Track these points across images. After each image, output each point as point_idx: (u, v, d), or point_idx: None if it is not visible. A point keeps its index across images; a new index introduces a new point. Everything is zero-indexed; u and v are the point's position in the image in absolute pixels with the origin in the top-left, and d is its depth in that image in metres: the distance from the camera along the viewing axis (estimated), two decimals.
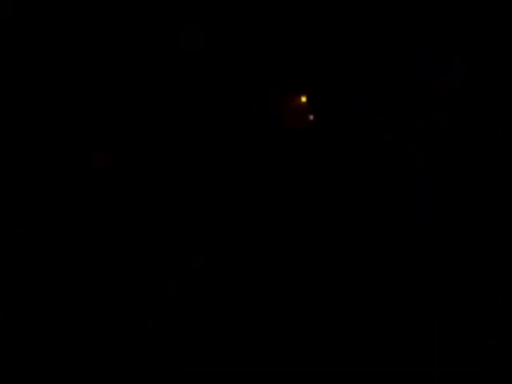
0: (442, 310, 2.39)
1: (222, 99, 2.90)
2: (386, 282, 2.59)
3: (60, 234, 2.45)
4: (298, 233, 2.86)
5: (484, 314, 2.32)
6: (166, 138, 2.76)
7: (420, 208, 2.82)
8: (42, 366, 2.21)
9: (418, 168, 2.89)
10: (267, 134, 2.97)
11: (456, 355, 2.15)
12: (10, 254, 2.34)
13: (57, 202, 2.49)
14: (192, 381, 2.18)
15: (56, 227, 2.45)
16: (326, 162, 3.05)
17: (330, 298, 2.54)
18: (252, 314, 2.48)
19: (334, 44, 3.06)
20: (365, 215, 2.90)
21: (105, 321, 2.38)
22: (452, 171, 2.81)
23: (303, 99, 2.71)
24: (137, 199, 2.63)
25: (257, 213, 2.85)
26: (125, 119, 2.70)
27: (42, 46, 2.57)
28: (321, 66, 3.08)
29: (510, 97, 2.76)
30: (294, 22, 2.99)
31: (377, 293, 2.54)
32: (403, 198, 2.87)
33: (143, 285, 2.52)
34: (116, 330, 2.36)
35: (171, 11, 2.80)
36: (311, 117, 2.84)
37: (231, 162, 2.85)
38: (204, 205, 2.74)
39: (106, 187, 2.59)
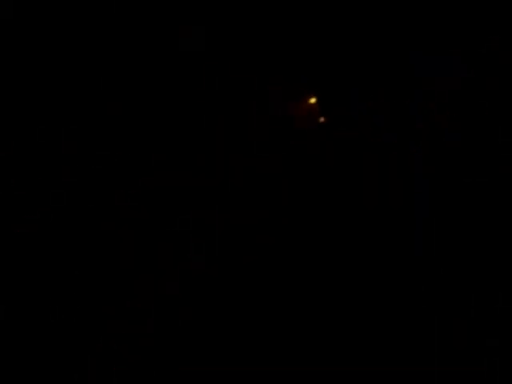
0: (442, 309, 2.39)
1: (222, 99, 2.90)
2: (386, 281, 2.59)
3: (60, 233, 2.45)
4: (298, 233, 2.86)
5: (484, 314, 2.32)
6: (166, 138, 2.76)
7: (420, 208, 2.82)
8: (42, 366, 2.21)
9: (418, 168, 2.89)
10: (267, 133, 2.97)
11: (456, 355, 2.15)
12: (10, 254, 2.34)
13: (57, 201, 2.49)
14: (192, 381, 2.18)
15: (56, 227, 2.45)
16: (326, 161, 3.05)
17: (330, 298, 2.54)
18: (252, 313, 2.48)
19: (334, 44, 3.06)
20: (365, 215, 2.90)
21: (105, 321, 2.38)
22: (452, 171, 2.81)
23: (313, 100, 2.71)
24: (137, 199, 2.63)
25: (257, 213, 2.85)
26: (125, 119, 2.70)
27: (42, 45, 2.57)
28: (321, 66, 3.08)
29: (510, 97, 2.76)
30: (293, 21, 2.99)
31: (377, 293, 2.54)
32: (403, 197, 2.87)
33: (143, 285, 2.52)
34: (116, 330, 2.36)
35: (171, 11, 2.80)
36: (321, 119, 2.84)
37: (231, 162, 2.85)
38: (204, 205, 2.74)
39: (106, 187, 2.59)
